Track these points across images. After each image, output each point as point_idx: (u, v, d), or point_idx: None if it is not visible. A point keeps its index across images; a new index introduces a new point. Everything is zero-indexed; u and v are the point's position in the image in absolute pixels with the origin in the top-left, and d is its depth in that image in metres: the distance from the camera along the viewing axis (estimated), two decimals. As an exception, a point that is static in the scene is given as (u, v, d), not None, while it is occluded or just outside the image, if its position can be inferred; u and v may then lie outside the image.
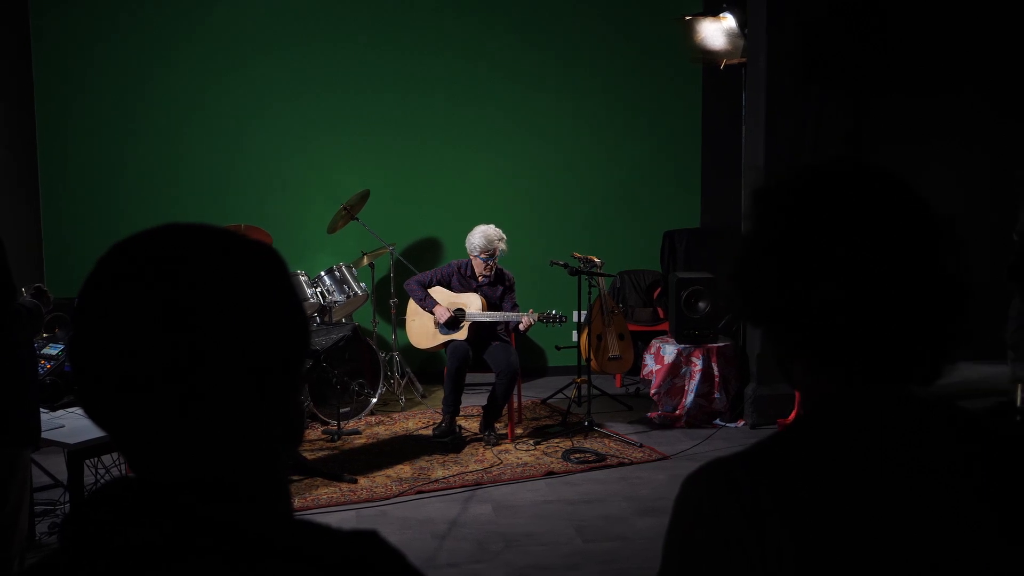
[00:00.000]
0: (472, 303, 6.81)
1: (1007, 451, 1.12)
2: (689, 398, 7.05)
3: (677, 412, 7.10)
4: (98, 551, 0.90)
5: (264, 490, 0.98)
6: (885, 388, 1.15)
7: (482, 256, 6.73)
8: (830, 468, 1.10)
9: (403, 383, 8.01)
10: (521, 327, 6.68)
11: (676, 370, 7.10)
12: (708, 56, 7.58)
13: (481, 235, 6.73)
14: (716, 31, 7.41)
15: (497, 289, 6.91)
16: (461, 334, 6.80)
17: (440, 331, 6.87)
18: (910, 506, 1.08)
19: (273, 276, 1.00)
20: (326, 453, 6.55)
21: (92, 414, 0.94)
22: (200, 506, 0.91)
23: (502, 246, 6.78)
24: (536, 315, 6.64)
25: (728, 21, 7.37)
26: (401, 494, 5.71)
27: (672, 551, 1.12)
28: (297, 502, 5.57)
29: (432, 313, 6.84)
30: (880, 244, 1.11)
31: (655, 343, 7.36)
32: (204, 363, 0.92)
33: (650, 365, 7.26)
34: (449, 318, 6.75)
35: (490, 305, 6.85)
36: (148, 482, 0.94)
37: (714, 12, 7.48)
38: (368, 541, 0.96)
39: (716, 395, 7.08)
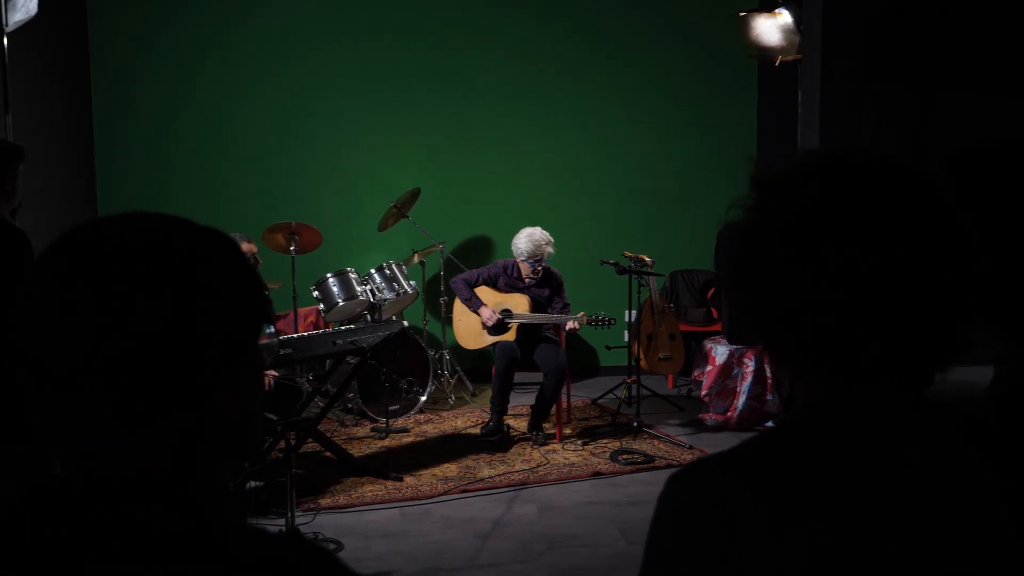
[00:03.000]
0: (519, 304, 6.77)
1: (1005, 453, 1.07)
2: (741, 400, 6.94)
3: (729, 414, 7.00)
4: (15, 552, 0.88)
5: (193, 493, 0.95)
6: (879, 390, 1.09)
7: (529, 261, 6.67)
8: (814, 470, 1.06)
9: (453, 381, 8.00)
10: (567, 328, 6.63)
11: (728, 371, 7.00)
12: (763, 53, 7.46)
13: (527, 239, 6.67)
14: (771, 27, 7.29)
15: (545, 290, 6.85)
16: (509, 335, 6.76)
17: (487, 332, 6.84)
18: (895, 508, 1.04)
19: (217, 271, 0.96)
20: (374, 450, 6.56)
21: (29, 404, 0.92)
22: (122, 505, 0.89)
23: (549, 249, 6.72)
24: (585, 318, 6.59)
25: (784, 17, 7.25)
26: (446, 493, 5.69)
27: (652, 550, 1.09)
28: (342, 499, 5.57)
29: (478, 314, 6.81)
30: (886, 242, 1.04)
31: (707, 344, 7.26)
32: (133, 360, 0.89)
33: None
34: (496, 321, 6.72)
35: (537, 306, 6.80)
36: (70, 481, 0.92)
37: (770, 8, 7.35)
38: (292, 541, 0.94)
39: (769, 397, 6.96)
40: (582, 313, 6.64)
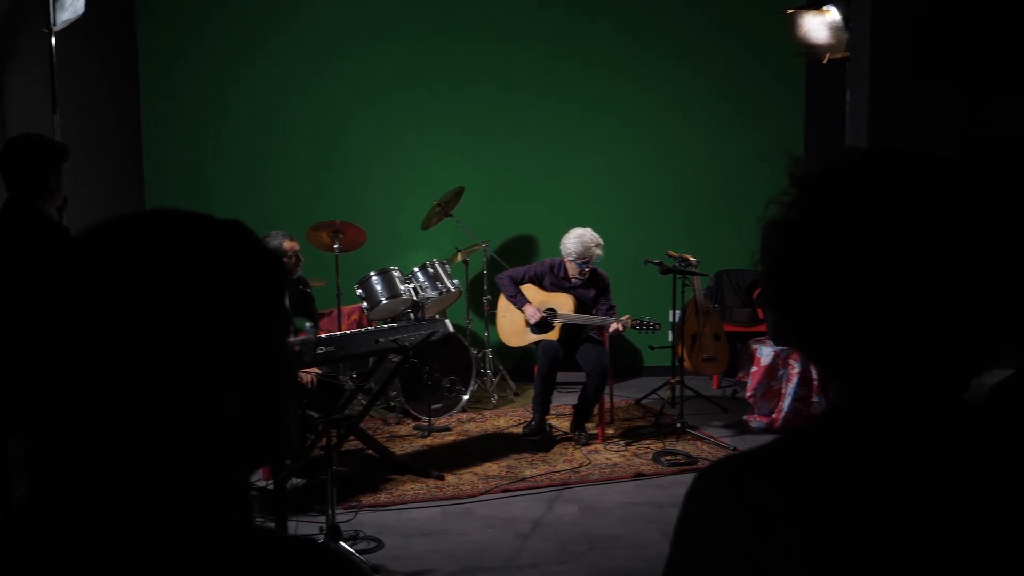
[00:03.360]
0: (564, 304, 6.74)
1: None
2: (786, 402, 6.85)
3: (774, 416, 6.92)
4: (22, 551, 0.88)
5: (204, 493, 0.94)
6: (908, 394, 1.06)
7: (577, 261, 6.64)
8: (838, 472, 1.04)
9: (496, 380, 7.99)
10: (611, 330, 6.58)
11: (773, 373, 6.92)
12: (811, 50, 7.37)
13: (577, 240, 6.62)
14: (819, 24, 7.22)
15: (591, 291, 6.80)
16: (552, 334, 6.73)
17: (531, 330, 6.82)
18: (918, 514, 1.01)
19: (221, 271, 0.93)
20: (416, 449, 6.56)
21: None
22: (129, 505, 0.88)
23: (598, 252, 6.67)
24: (630, 321, 6.54)
25: (832, 14, 7.17)
26: (487, 492, 5.68)
27: (677, 546, 1.10)
28: (383, 497, 5.58)
29: (522, 311, 6.79)
30: (919, 242, 1.01)
31: (752, 345, 7.18)
32: (127, 359, 0.88)
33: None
34: (540, 319, 6.69)
35: (582, 306, 6.76)
36: (79, 482, 0.91)
37: (818, 5, 7.27)
38: (304, 543, 0.92)
39: (815, 399, 6.86)
40: (627, 316, 6.60)
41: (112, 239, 0.92)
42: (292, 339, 5.86)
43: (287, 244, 6.15)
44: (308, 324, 5.67)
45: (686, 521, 1.09)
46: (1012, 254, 1.04)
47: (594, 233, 6.66)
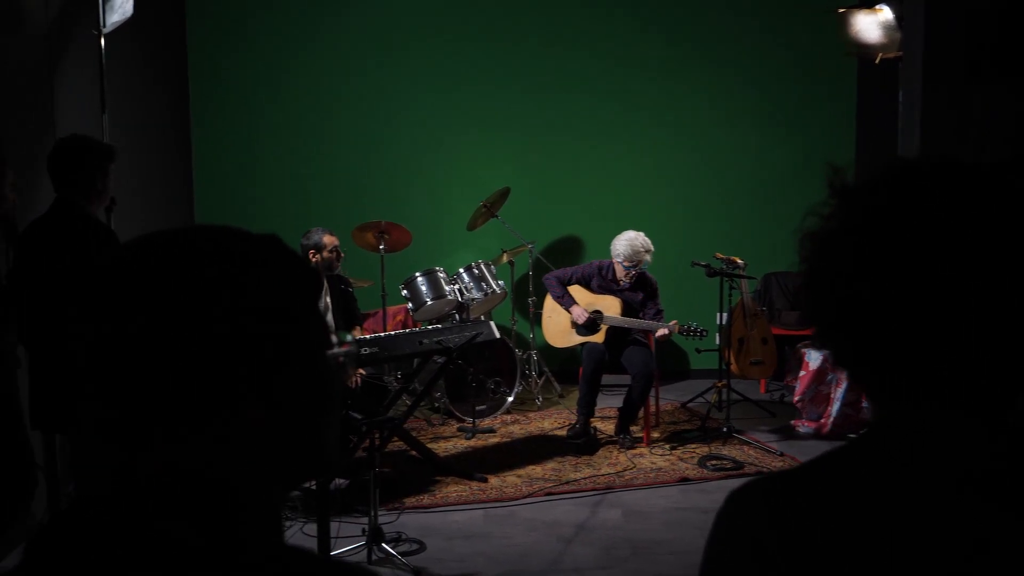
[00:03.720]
0: (610, 306, 6.69)
1: None
2: (835, 406, 6.75)
3: (822, 421, 6.82)
4: (55, 568, 0.87)
5: (238, 513, 0.92)
6: (949, 416, 1.01)
7: (625, 264, 6.58)
8: (871, 495, 1.00)
9: (540, 382, 7.96)
10: (657, 335, 6.52)
11: (822, 377, 6.82)
12: (863, 50, 7.26)
13: (627, 244, 6.57)
14: (871, 24, 7.11)
15: (639, 294, 6.74)
16: (598, 336, 6.69)
17: (577, 332, 6.78)
18: (951, 543, 0.96)
19: (235, 288, 0.92)
20: (459, 450, 6.55)
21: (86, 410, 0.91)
22: (157, 523, 0.87)
23: (647, 257, 6.60)
24: (677, 326, 6.47)
25: (884, 13, 7.06)
26: (530, 495, 5.65)
27: (706, 569, 1.09)
28: (426, 499, 5.57)
29: (569, 312, 6.75)
30: (967, 256, 0.97)
31: (800, 348, 7.09)
32: (140, 372, 0.88)
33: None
34: (587, 320, 6.65)
35: (630, 309, 6.70)
36: (108, 497, 0.90)
37: (870, 4, 7.15)
38: (329, 564, 0.91)
39: (864, 404, 6.74)
40: (674, 321, 6.52)
41: (139, 254, 0.92)
42: (334, 351, 5.86)
43: (327, 239, 6.16)
44: (349, 336, 5.68)
45: (715, 542, 1.09)
46: None
47: (646, 239, 6.60)
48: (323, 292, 6.17)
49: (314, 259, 6.09)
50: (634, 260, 6.53)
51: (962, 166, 1.02)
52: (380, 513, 4.99)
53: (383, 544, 4.70)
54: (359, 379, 5.97)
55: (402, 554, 4.72)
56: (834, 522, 0.99)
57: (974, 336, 0.97)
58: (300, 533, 5.01)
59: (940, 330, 0.97)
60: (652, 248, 6.60)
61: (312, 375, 0.96)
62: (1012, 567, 0.95)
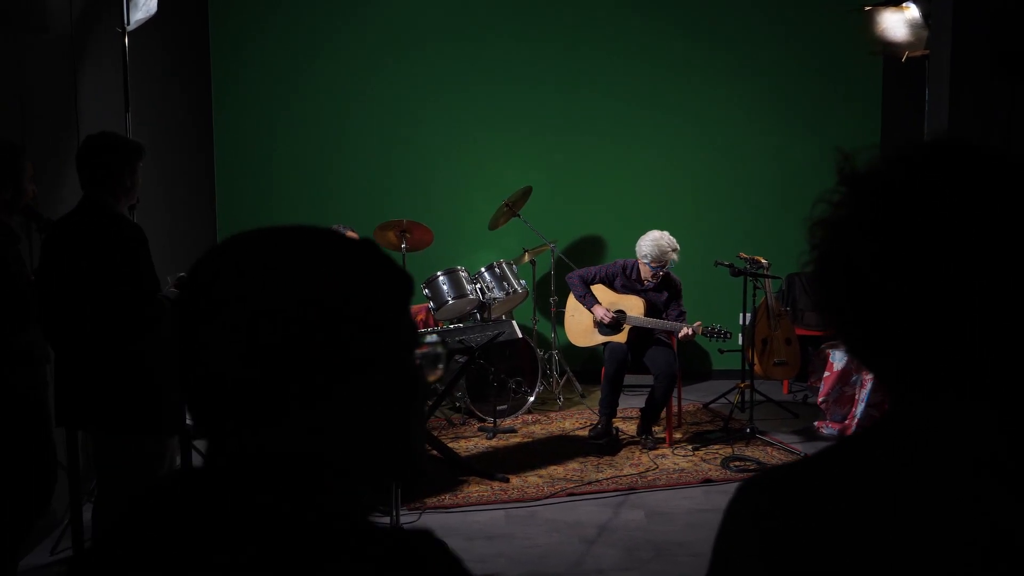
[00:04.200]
0: (633, 306, 6.65)
1: None
2: (859, 408, 6.68)
3: (846, 422, 6.75)
4: (149, 539, 0.93)
5: (328, 490, 0.98)
6: (967, 408, 0.98)
7: (651, 264, 6.53)
8: (873, 490, 0.98)
9: (562, 382, 7.92)
10: (680, 336, 6.47)
11: (846, 378, 6.76)
12: (889, 48, 7.19)
13: (653, 244, 6.51)
14: (898, 21, 7.03)
15: (662, 294, 6.69)
16: (620, 336, 6.64)
17: (599, 331, 6.74)
18: (950, 545, 0.93)
19: (358, 282, 0.99)
20: (480, 450, 6.52)
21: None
22: (258, 497, 0.94)
23: (674, 256, 6.54)
24: (701, 328, 6.42)
25: (911, 11, 6.98)
26: (552, 495, 5.62)
27: (714, 560, 1.09)
28: (448, 499, 5.55)
29: (591, 312, 6.71)
30: (981, 241, 0.94)
31: (825, 349, 7.03)
32: (247, 362, 0.94)
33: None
34: (610, 320, 6.60)
35: (653, 310, 6.65)
36: (211, 470, 0.97)
37: (896, 1, 7.08)
38: (422, 538, 0.96)
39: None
40: (698, 322, 6.47)
41: (247, 252, 0.99)
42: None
43: (348, 235, 6.14)
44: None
45: (723, 534, 1.08)
46: None
47: (672, 238, 6.54)
48: None
49: None
50: (661, 260, 6.48)
51: (974, 148, 0.99)
52: (402, 513, 4.98)
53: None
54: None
55: (423, 554, 4.69)
56: (845, 513, 0.97)
57: (988, 325, 0.94)
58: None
59: (953, 319, 0.95)
60: (678, 247, 6.55)
61: (400, 375, 1.01)
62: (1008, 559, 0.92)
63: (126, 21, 5.34)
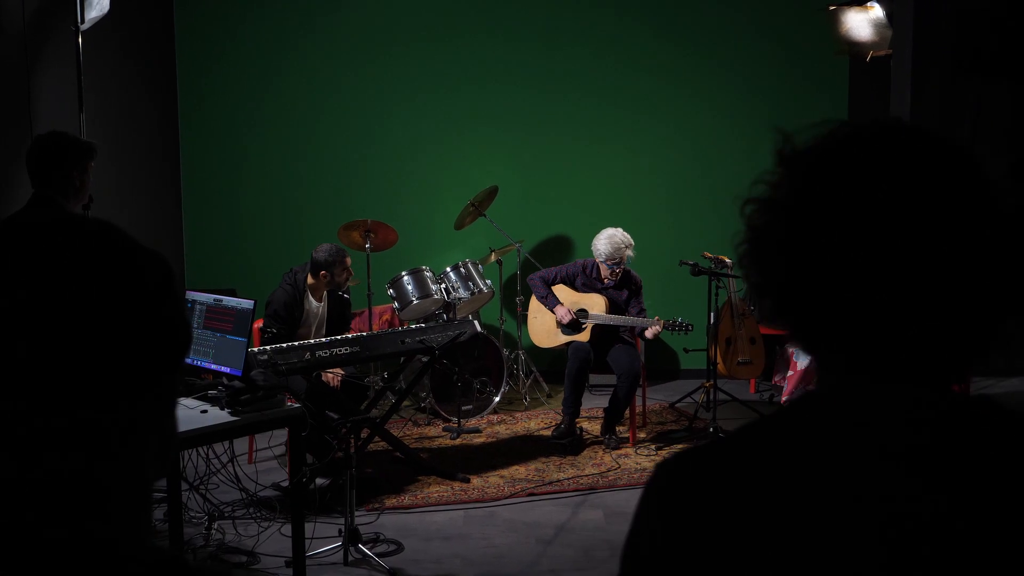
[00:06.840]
0: (595, 304, 6.64)
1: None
2: (824, 407, 6.68)
3: (810, 421, 6.75)
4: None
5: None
6: (892, 386, 0.97)
7: (608, 263, 6.52)
8: (776, 475, 0.96)
9: (528, 382, 7.90)
10: (648, 335, 6.47)
11: (810, 376, 6.79)
12: (854, 48, 7.22)
13: (607, 241, 6.50)
14: (862, 21, 7.06)
15: (623, 292, 6.69)
16: (583, 336, 6.64)
17: (561, 331, 6.73)
18: (881, 518, 0.91)
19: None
20: (444, 451, 6.50)
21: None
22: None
23: (629, 253, 6.55)
24: (660, 323, 6.42)
25: (875, 10, 7.01)
26: (512, 495, 5.60)
27: (629, 539, 1.05)
28: (407, 499, 5.52)
29: (553, 312, 6.70)
30: (912, 220, 0.93)
31: (788, 348, 7.03)
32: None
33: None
34: (570, 320, 6.59)
35: (614, 307, 6.65)
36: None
37: (861, 1, 7.10)
38: None
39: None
40: (657, 317, 6.48)
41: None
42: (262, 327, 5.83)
43: (347, 260, 6.14)
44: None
45: (640, 513, 1.04)
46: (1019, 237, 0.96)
47: (625, 234, 6.55)
48: (321, 303, 6.14)
49: (327, 278, 6.04)
50: (616, 257, 6.48)
51: (909, 130, 0.98)
52: (360, 513, 4.95)
53: (360, 545, 4.65)
54: (339, 379, 5.91)
55: (379, 555, 4.67)
56: (746, 491, 0.96)
57: (908, 308, 0.94)
58: (277, 534, 4.95)
59: (887, 299, 0.94)
60: (632, 243, 6.55)
61: None
62: (927, 543, 0.90)
63: (80, 20, 5.29)
